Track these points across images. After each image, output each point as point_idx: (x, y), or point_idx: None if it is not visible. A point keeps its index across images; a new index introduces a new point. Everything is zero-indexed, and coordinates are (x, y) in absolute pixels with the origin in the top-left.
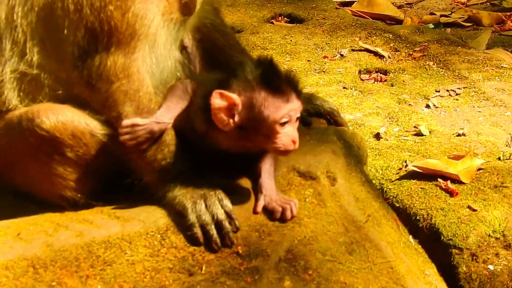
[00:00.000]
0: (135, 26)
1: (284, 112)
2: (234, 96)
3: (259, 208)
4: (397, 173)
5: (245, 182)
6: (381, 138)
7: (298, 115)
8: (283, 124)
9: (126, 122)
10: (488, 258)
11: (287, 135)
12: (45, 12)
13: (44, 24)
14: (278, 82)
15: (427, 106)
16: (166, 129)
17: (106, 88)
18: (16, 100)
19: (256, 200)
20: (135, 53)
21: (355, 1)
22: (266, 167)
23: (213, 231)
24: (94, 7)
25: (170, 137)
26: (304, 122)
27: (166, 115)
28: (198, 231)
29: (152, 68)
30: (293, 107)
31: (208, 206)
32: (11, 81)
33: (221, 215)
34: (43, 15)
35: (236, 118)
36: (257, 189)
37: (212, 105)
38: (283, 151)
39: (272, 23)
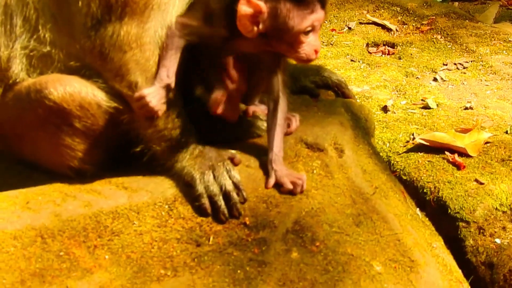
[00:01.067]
0: None
1: (309, 23)
2: (261, 4)
3: (271, 185)
4: (405, 146)
5: (253, 153)
6: (389, 111)
7: (322, 23)
8: (306, 33)
9: (135, 95)
10: (495, 232)
11: (310, 45)
12: None
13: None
14: None
15: (435, 80)
16: (171, 87)
17: (119, 57)
18: (24, 74)
19: (268, 176)
20: (147, 23)
21: None
22: (277, 141)
23: (221, 202)
24: None
25: (179, 107)
26: (312, 94)
27: (166, 74)
28: (206, 201)
29: (162, 39)
30: (317, 17)
31: (216, 177)
32: (21, 56)
33: (229, 186)
34: None
35: (261, 26)
36: (266, 161)
37: (238, 11)
38: (306, 60)
39: None
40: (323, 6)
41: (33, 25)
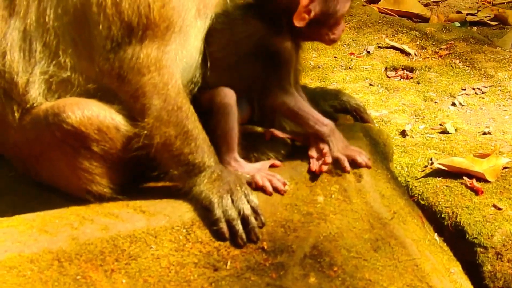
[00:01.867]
0: (172, 19)
1: (349, 5)
2: None
3: None
4: (423, 171)
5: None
6: (407, 135)
7: None
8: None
9: None
10: None
11: (342, 26)
12: (79, 11)
13: (76, 24)
14: None
15: (453, 104)
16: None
17: (136, 80)
18: (42, 99)
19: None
20: (168, 46)
21: None
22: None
23: (239, 226)
24: (129, 2)
25: (197, 131)
26: (331, 118)
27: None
28: (224, 226)
29: (182, 61)
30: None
31: (234, 201)
32: (40, 81)
33: (247, 210)
34: (77, 15)
35: (312, 14)
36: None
37: (301, 2)
38: (336, 40)
39: None
40: None
41: (53, 50)
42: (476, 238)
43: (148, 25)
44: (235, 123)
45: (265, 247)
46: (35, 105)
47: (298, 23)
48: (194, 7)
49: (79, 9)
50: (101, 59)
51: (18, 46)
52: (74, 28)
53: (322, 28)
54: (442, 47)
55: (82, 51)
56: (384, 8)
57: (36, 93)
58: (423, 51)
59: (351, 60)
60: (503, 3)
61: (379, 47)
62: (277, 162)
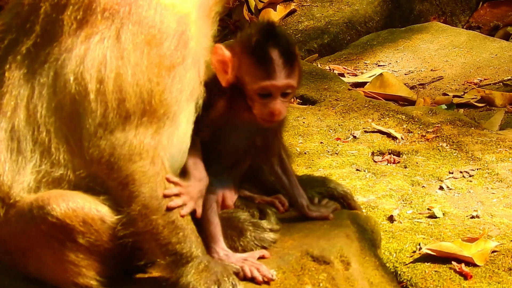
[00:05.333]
0: (170, 105)
1: (261, 86)
2: (226, 53)
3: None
4: (411, 256)
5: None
6: (395, 220)
7: (288, 91)
8: (262, 96)
9: (172, 190)
10: None
11: (266, 106)
12: (75, 102)
13: (69, 118)
14: (267, 54)
15: (441, 188)
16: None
17: (127, 166)
18: (27, 194)
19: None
20: (161, 134)
21: (368, 82)
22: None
23: None
24: (134, 87)
25: (186, 221)
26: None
27: (200, 171)
28: None
29: (173, 149)
30: (274, 84)
31: None
32: (29, 180)
33: None
34: (71, 107)
35: (229, 74)
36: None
37: (211, 58)
38: (261, 120)
39: None
40: (288, 75)
41: (46, 148)
42: None
43: (146, 111)
44: (215, 216)
45: None
46: (18, 199)
47: (221, 80)
48: (189, 89)
49: (75, 101)
50: (90, 146)
51: (5, 146)
52: (66, 123)
53: (245, 97)
54: (429, 130)
55: (74, 147)
56: (370, 92)
57: (23, 190)
58: (409, 134)
59: (338, 145)
60: (490, 84)
61: (366, 131)
62: (266, 253)
